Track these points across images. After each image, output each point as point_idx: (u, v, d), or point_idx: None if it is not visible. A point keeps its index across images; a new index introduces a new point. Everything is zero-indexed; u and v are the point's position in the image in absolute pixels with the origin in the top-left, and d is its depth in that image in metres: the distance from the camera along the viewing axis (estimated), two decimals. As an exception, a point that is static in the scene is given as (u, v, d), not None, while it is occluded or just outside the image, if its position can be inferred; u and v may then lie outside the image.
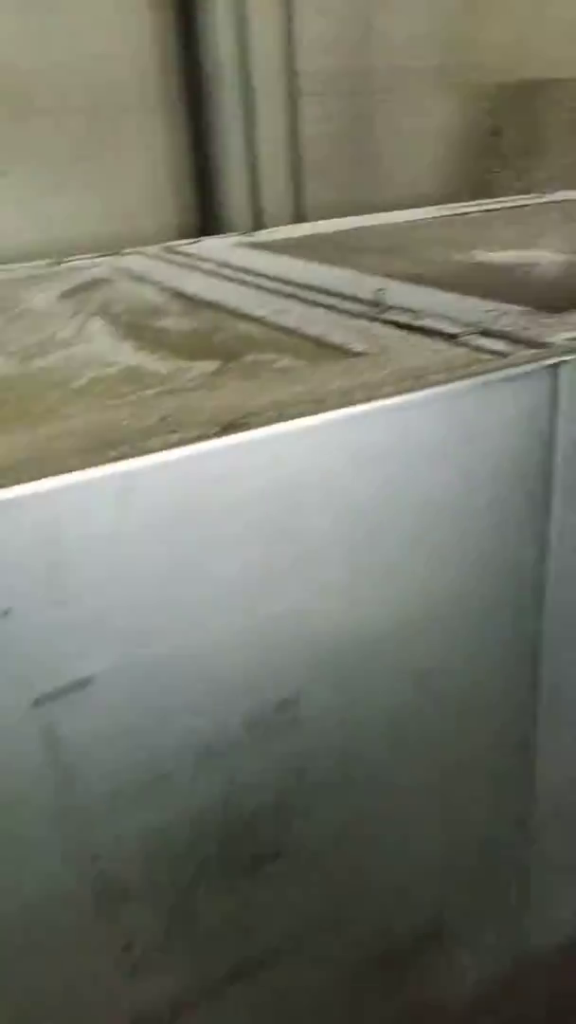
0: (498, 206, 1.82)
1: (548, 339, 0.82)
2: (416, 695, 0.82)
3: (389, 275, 1.18)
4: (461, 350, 0.82)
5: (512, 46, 2.58)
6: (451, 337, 0.86)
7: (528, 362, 0.76)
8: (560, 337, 0.82)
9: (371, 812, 0.84)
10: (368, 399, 0.70)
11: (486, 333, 0.87)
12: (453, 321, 0.91)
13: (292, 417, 0.67)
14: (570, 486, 0.82)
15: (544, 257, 1.32)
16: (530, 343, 0.82)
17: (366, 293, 1.05)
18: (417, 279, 1.17)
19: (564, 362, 0.77)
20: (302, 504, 0.69)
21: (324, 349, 0.88)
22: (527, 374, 0.75)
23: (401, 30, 2.55)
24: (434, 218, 1.73)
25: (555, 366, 0.77)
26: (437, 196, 2.18)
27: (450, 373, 0.74)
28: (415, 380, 0.73)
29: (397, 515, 0.73)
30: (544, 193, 1.94)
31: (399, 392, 0.71)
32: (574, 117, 2.47)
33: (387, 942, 0.92)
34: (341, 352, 0.85)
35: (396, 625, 0.77)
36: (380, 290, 0.99)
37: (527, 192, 2.05)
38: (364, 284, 1.11)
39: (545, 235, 1.52)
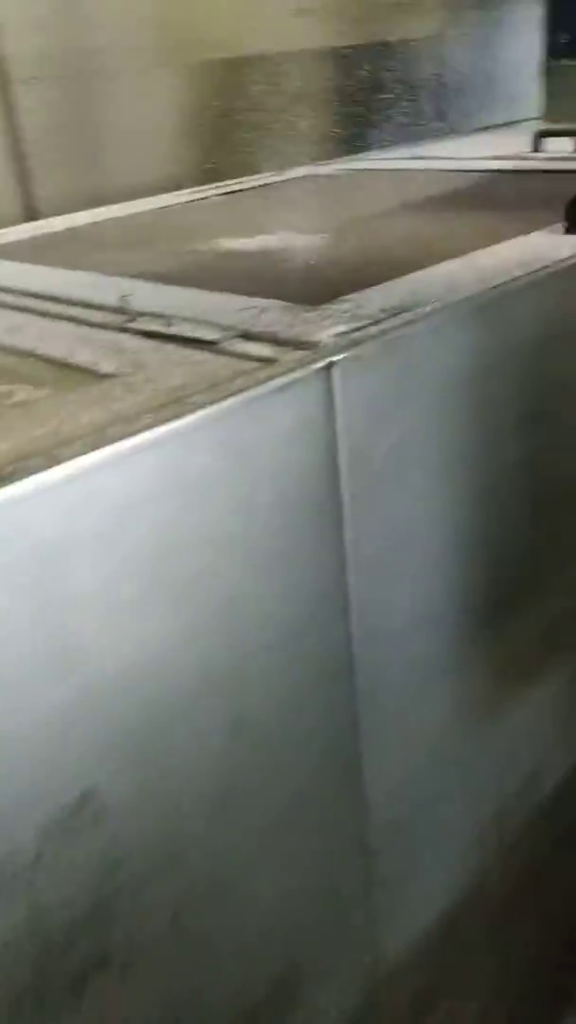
0: (238, 187, 1.75)
1: (314, 337, 0.75)
2: (231, 746, 0.74)
3: (133, 275, 1.08)
4: (223, 359, 0.74)
5: (234, 20, 2.51)
6: (210, 344, 0.78)
7: (297, 368, 0.69)
8: (326, 334, 0.76)
9: (203, 883, 0.75)
10: (125, 434, 0.60)
11: (247, 336, 0.79)
12: (209, 325, 0.82)
13: (34, 470, 0.56)
14: (358, 492, 0.76)
15: (291, 240, 1.26)
16: (297, 344, 0.75)
17: (111, 299, 0.94)
18: (164, 277, 1.07)
19: (335, 362, 0.71)
20: (67, 570, 0.58)
21: (69, 372, 0.76)
22: (298, 381, 0.68)
23: (116, 5, 2.41)
24: (174, 205, 1.63)
25: (327, 368, 0.70)
26: (175, 181, 2.09)
27: (214, 391, 0.65)
28: (176, 404, 0.64)
29: (177, 560, 0.64)
30: (283, 170, 1.89)
31: (160, 421, 0.61)
32: (303, 89, 2.44)
33: (242, 1010, 0.84)
34: (89, 375, 0.74)
35: (197, 679, 0.68)
36: (125, 296, 0.88)
37: (263, 170, 1.99)
38: (107, 288, 1.00)
39: (288, 216, 1.47)
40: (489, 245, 1.05)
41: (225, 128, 2.42)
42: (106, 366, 0.75)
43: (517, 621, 1.03)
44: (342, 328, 0.77)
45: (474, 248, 1.06)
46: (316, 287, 0.98)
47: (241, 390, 0.65)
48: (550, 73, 2.26)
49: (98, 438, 0.59)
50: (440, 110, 2.47)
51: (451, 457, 0.85)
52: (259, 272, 1.10)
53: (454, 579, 0.91)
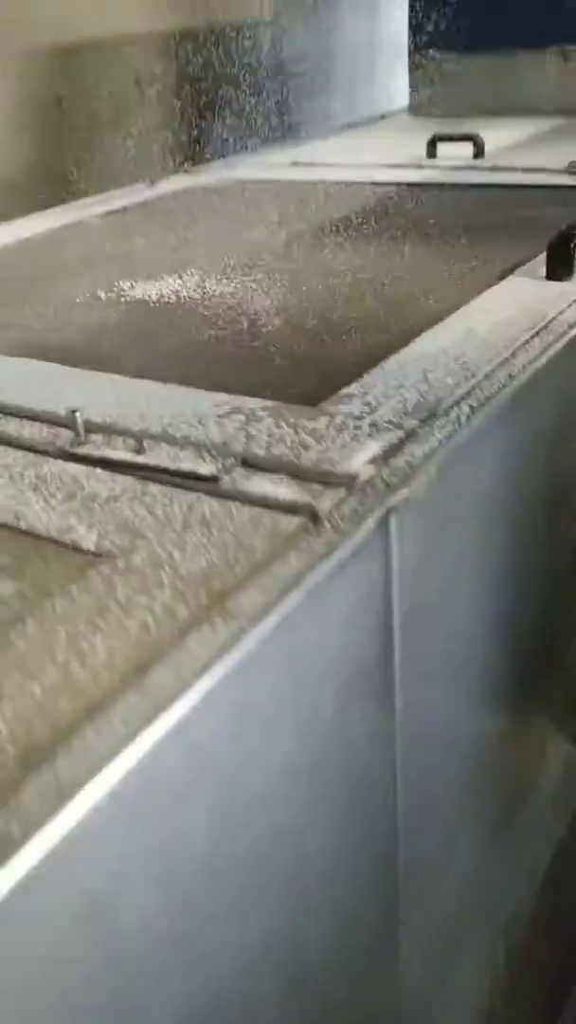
0: (103, 208, 1.53)
1: (345, 466, 0.60)
2: (298, 920, 0.58)
3: (30, 348, 0.89)
4: (239, 510, 0.57)
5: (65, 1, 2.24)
6: (209, 482, 0.61)
7: (352, 529, 0.53)
8: (359, 460, 0.60)
9: None
10: (170, 691, 0.43)
11: (251, 464, 0.62)
12: (190, 444, 0.65)
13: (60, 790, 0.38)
14: (409, 652, 0.61)
15: (211, 284, 1.09)
16: (325, 477, 0.59)
17: (33, 400, 0.75)
18: (76, 353, 0.88)
19: (391, 509, 0.55)
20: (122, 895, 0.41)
21: (33, 546, 0.57)
22: (358, 549, 0.53)
23: None
24: (41, 234, 1.41)
25: (384, 518, 0.55)
26: (16, 199, 1.84)
27: (259, 585, 0.49)
28: (222, 617, 0.47)
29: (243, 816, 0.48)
30: (151, 182, 1.69)
31: (210, 655, 0.45)
32: (152, 77, 2.22)
33: None
34: (66, 551, 0.56)
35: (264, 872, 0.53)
36: (74, 411, 0.69)
37: (124, 180, 1.78)
38: (11, 376, 0.81)
39: (188, 246, 1.28)
40: (461, 293, 0.92)
41: (67, 128, 2.17)
42: (85, 534, 0.56)
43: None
44: (374, 448, 0.61)
45: (447, 296, 0.93)
46: (290, 367, 0.82)
47: (295, 582, 0.49)
48: (415, 64, 2.15)
49: (141, 706, 0.42)
50: (302, 99, 2.33)
51: (495, 569, 0.72)
52: (199, 339, 0.92)
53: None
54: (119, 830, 0.40)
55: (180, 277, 1.14)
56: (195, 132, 2.03)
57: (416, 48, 2.13)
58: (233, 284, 1.09)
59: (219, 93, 2.14)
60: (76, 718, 0.42)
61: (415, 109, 2.17)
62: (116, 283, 1.13)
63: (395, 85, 2.46)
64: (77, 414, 0.68)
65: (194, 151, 1.99)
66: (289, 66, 2.30)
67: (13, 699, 0.43)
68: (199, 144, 2.00)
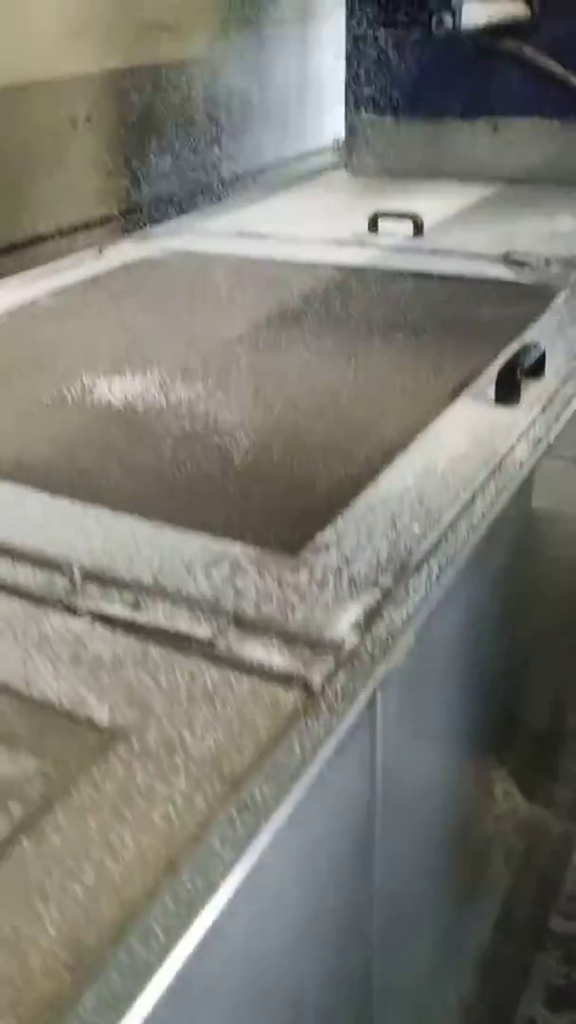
0: (52, 284, 1.55)
1: (330, 631, 0.66)
2: None
3: (13, 464, 0.93)
4: (237, 680, 0.63)
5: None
6: (206, 646, 0.66)
7: (344, 708, 0.59)
8: (343, 625, 0.67)
9: None
10: (200, 896, 0.48)
11: (241, 622, 0.68)
12: (182, 600, 0.71)
13: None
14: (388, 823, 0.68)
15: (177, 388, 1.14)
16: (312, 642, 0.65)
17: (34, 541, 0.79)
18: (62, 474, 0.93)
19: (379, 684, 0.62)
20: None
21: (44, 718, 0.61)
22: (350, 728, 0.59)
23: None
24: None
25: (373, 694, 0.61)
26: None
27: (266, 768, 0.55)
28: (237, 804, 0.53)
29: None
30: (99, 250, 1.72)
31: (227, 850, 0.50)
32: (87, 124, 2.24)
33: None
34: (79, 725, 0.60)
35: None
36: (72, 565, 0.73)
37: (72, 248, 1.81)
38: None
39: (148, 336, 1.33)
40: (418, 418, 0.99)
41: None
42: (97, 707, 0.61)
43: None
44: (356, 611, 0.68)
45: (402, 422, 1.00)
46: (264, 496, 0.88)
47: (300, 770, 0.55)
48: (352, 125, 2.23)
49: (177, 911, 0.47)
50: (237, 140, 2.38)
51: (464, 729, 0.79)
52: (171, 459, 0.97)
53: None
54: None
55: (144, 374, 1.19)
56: (136, 194, 2.06)
57: (354, 110, 2.20)
58: (197, 388, 1.14)
59: (157, 142, 2.17)
60: (118, 922, 0.47)
61: (352, 168, 2.24)
62: (80, 380, 1.17)
63: (325, 123, 2.55)
64: (75, 568, 0.73)
65: (135, 214, 2.03)
66: (223, 109, 2.35)
67: (58, 901, 0.48)
68: (139, 208, 2.03)
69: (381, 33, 1.94)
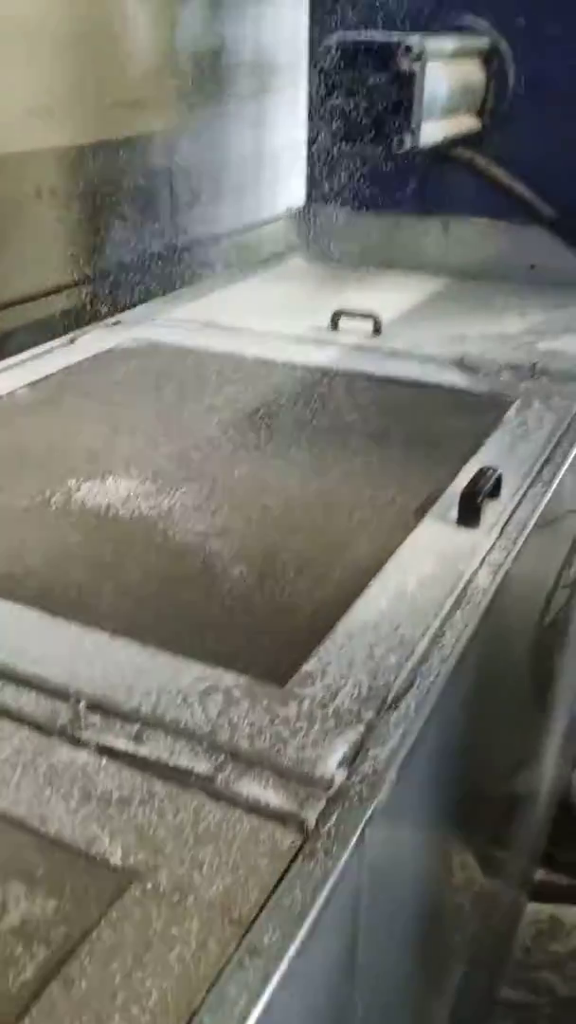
0: (26, 376, 1.61)
1: (321, 769, 0.73)
2: None
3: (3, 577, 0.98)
4: (238, 818, 0.69)
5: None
6: (206, 782, 0.72)
7: (335, 848, 0.66)
8: (331, 763, 0.73)
9: None
10: None
11: (238, 757, 0.74)
12: (179, 732, 0.77)
13: None
14: (373, 929, 0.74)
15: (157, 496, 1.20)
16: (303, 779, 0.72)
17: (33, 666, 0.84)
18: (54, 589, 0.98)
19: (367, 822, 0.69)
20: None
21: (56, 853, 0.67)
22: (341, 866, 0.65)
23: None
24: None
25: (362, 832, 0.68)
26: None
27: (268, 913, 0.61)
28: (247, 955, 0.58)
29: None
30: (71, 340, 1.78)
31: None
32: (52, 197, 2.30)
33: None
34: (90, 864, 0.65)
35: None
36: (78, 700, 0.79)
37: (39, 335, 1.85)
38: None
39: (126, 437, 1.39)
40: (386, 537, 1.07)
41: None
42: (110, 846, 0.67)
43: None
44: (343, 748, 0.75)
45: (372, 540, 1.08)
46: (248, 625, 0.94)
47: (303, 914, 0.61)
48: (311, 215, 2.34)
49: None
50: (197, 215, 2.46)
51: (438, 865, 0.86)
52: (159, 576, 1.03)
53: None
54: None
55: (124, 477, 1.25)
56: (103, 285, 2.12)
57: (313, 201, 2.31)
58: (176, 495, 1.20)
59: (121, 215, 2.24)
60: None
61: (310, 256, 2.35)
62: (63, 482, 1.23)
63: (280, 192, 2.68)
64: (82, 702, 0.79)
65: (102, 296, 2.09)
66: (185, 180, 2.44)
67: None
68: (104, 298, 2.10)
69: (332, 130, 2.05)
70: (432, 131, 1.74)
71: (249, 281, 2.22)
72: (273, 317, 1.88)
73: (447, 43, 1.82)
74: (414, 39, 1.61)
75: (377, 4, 2.08)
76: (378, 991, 0.84)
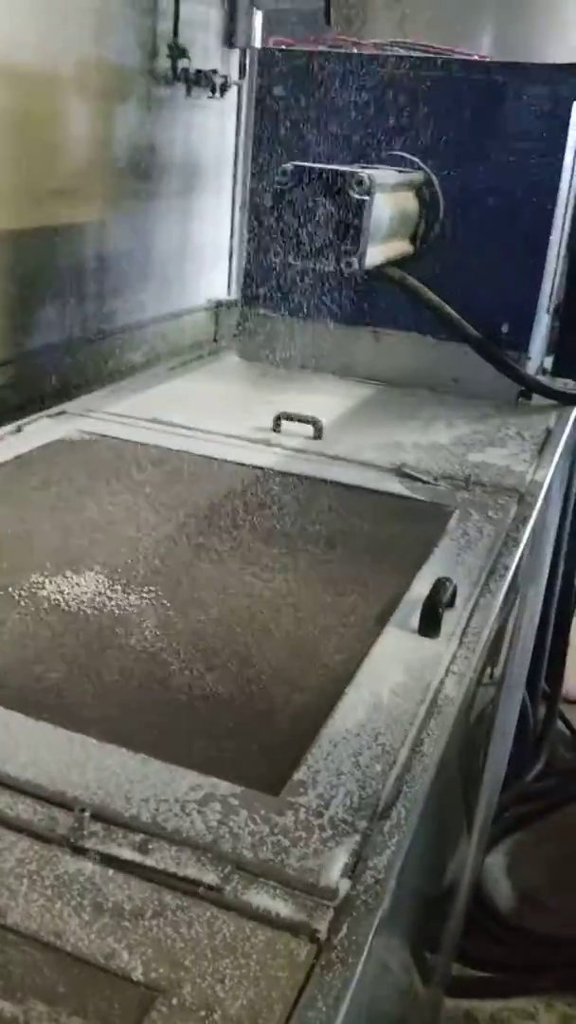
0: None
1: (325, 878, 0.76)
2: None
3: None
4: (252, 931, 0.71)
5: None
6: (215, 892, 0.74)
7: (354, 959, 0.69)
8: (334, 873, 0.76)
9: None
10: None
11: (243, 868, 0.77)
12: (183, 844, 0.78)
13: None
14: None
15: (120, 596, 1.22)
16: (308, 889, 0.75)
17: (26, 773, 0.85)
18: (34, 693, 0.99)
19: (376, 930, 0.72)
20: None
21: (78, 970, 0.67)
22: (360, 979, 0.68)
23: None
24: None
25: (371, 941, 0.71)
26: None
27: None
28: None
29: None
30: (18, 428, 1.80)
31: None
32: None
33: None
34: (118, 982, 0.66)
35: None
36: (83, 810, 0.80)
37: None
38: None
39: (80, 533, 1.41)
40: (351, 643, 1.13)
41: None
42: (129, 961, 0.68)
43: None
44: (343, 857, 0.78)
45: (338, 647, 1.13)
46: (232, 732, 0.97)
47: (319, 1017, 0.64)
48: (244, 315, 2.43)
49: None
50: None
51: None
52: (136, 675, 1.05)
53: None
54: None
55: (87, 573, 1.26)
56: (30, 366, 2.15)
57: (248, 304, 2.41)
58: (142, 593, 1.23)
59: (51, 300, 2.29)
60: None
61: (244, 354, 2.44)
62: (25, 578, 1.23)
63: (202, 285, 2.79)
64: (86, 814, 0.79)
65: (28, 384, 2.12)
66: (112, 269, 2.51)
67: None
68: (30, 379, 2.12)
69: (277, 246, 2.16)
70: (374, 254, 1.87)
71: (187, 377, 2.28)
72: (215, 415, 1.94)
73: (390, 176, 1.97)
74: (365, 173, 1.74)
75: (319, 131, 2.24)
76: None
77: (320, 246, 1.79)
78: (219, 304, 2.81)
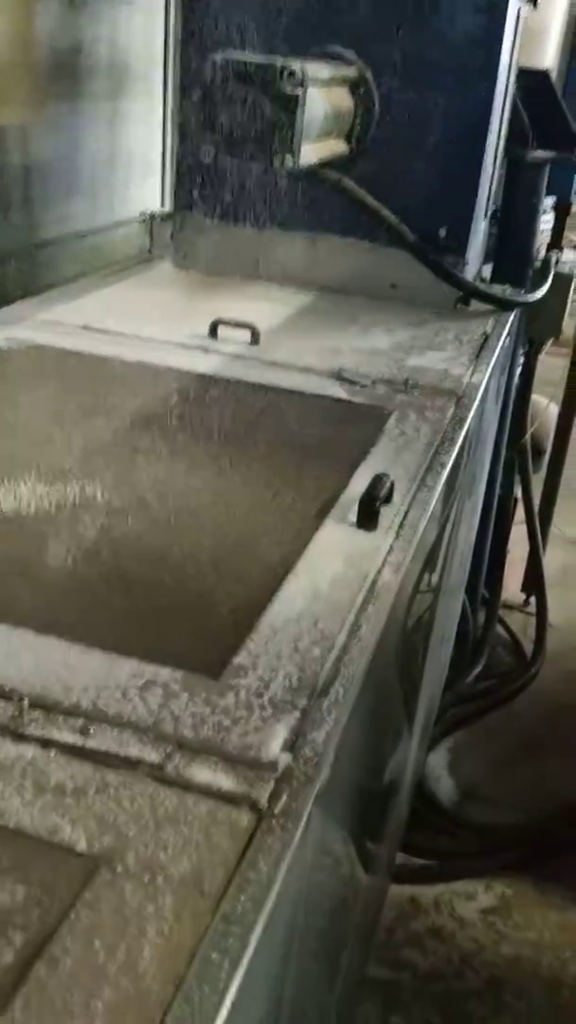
0: None
1: (264, 752, 0.77)
2: None
3: None
4: (192, 802, 0.72)
5: None
6: (156, 769, 0.75)
7: (288, 823, 0.71)
8: (274, 747, 0.78)
9: None
10: None
11: (185, 746, 0.78)
12: (125, 726, 0.79)
13: None
14: (309, 904, 0.80)
15: (61, 490, 1.21)
16: (250, 763, 0.76)
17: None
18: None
19: (316, 798, 0.74)
20: None
21: (22, 844, 0.68)
22: (299, 842, 0.70)
23: None
24: None
25: (311, 808, 0.73)
26: None
27: (237, 884, 0.65)
28: (222, 922, 0.62)
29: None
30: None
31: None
32: None
33: None
34: (59, 852, 0.67)
35: None
36: (21, 697, 0.80)
37: None
38: None
39: (13, 435, 1.38)
40: (290, 538, 1.13)
41: None
42: (72, 834, 0.69)
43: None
44: (283, 732, 0.80)
45: (277, 541, 1.13)
46: (173, 621, 0.98)
47: (269, 885, 0.66)
48: (178, 222, 2.37)
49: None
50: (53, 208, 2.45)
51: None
52: (73, 572, 1.04)
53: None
54: None
55: (25, 478, 1.24)
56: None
57: (182, 208, 2.35)
58: (82, 495, 1.21)
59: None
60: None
61: (179, 262, 2.38)
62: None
63: (133, 196, 2.70)
64: (24, 701, 0.80)
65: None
66: (36, 177, 2.42)
67: (83, 1018, 0.56)
68: None
69: (210, 147, 2.10)
70: (309, 152, 1.82)
71: (120, 285, 2.23)
72: (150, 322, 1.90)
73: (323, 70, 1.90)
74: (297, 65, 1.69)
75: (249, 26, 2.16)
76: (305, 973, 0.90)
77: (252, 143, 1.74)
78: (153, 217, 2.73)
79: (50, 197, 2.48)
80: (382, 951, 1.94)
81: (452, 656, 2.85)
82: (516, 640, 3.10)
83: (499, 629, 3.16)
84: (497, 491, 2.91)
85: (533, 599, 3.22)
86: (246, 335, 1.84)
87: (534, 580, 3.18)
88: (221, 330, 1.85)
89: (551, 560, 3.33)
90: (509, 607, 3.26)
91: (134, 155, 2.85)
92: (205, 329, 1.85)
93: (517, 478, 3.07)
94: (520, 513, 3.13)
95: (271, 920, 0.65)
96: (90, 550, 1.10)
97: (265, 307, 2.10)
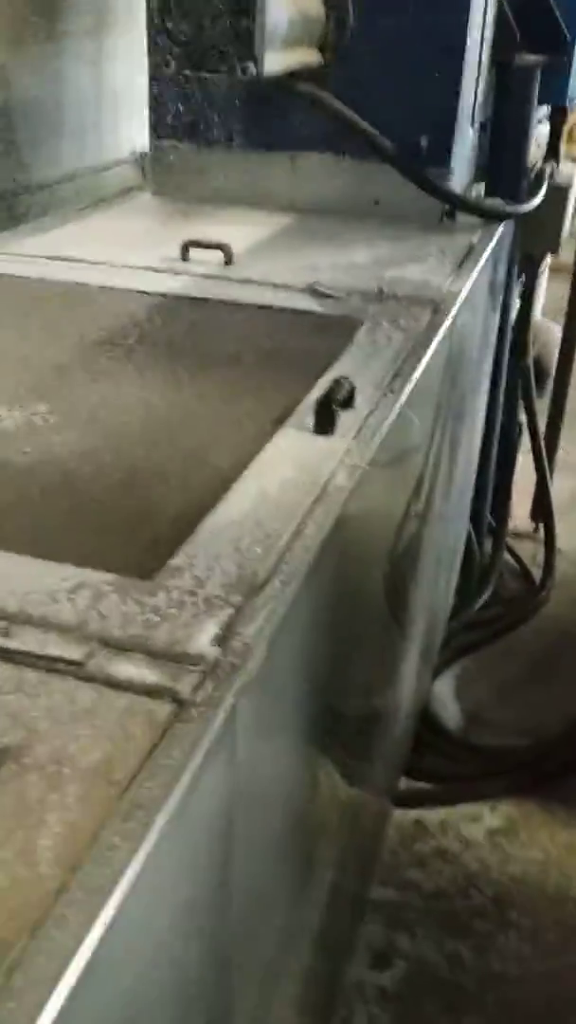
0: None
1: (191, 646, 0.75)
2: None
3: None
4: (112, 698, 0.70)
5: None
6: (77, 666, 0.73)
7: (208, 712, 0.68)
8: (203, 641, 0.75)
9: None
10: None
11: (110, 644, 0.75)
12: (49, 626, 0.77)
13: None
14: (248, 806, 0.78)
15: (15, 416, 1.18)
16: (176, 658, 0.74)
17: None
18: None
19: (239, 691, 0.71)
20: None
21: None
22: (218, 735, 0.68)
23: None
24: None
25: (235, 701, 0.71)
26: None
27: (151, 778, 0.63)
28: (128, 806, 0.60)
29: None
30: None
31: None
32: None
33: None
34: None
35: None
36: None
37: None
38: None
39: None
40: (245, 446, 1.10)
41: None
42: (-16, 729, 0.67)
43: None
44: (213, 628, 0.77)
45: (231, 450, 1.10)
46: (113, 531, 0.95)
47: (180, 772, 0.63)
48: (156, 152, 2.30)
49: (86, 902, 0.54)
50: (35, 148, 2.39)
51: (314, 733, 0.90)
52: (16, 486, 1.02)
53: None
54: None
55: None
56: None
57: (157, 136, 2.28)
58: (34, 413, 1.18)
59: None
60: (36, 916, 0.53)
61: (157, 192, 2.32)
62: None
63: (123, 135, 2.62)
64: None
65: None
66: (19, 118, 2.35)
67: (-25, 904, 0.54)
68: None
69: (170, 58, 2.02)
70: (275, 60, 1.75)
71: (94, 217, 2.17)
72: (121, 249, 1.85)
73: (286, -29, 1.82)
74: (252, -37, 1.61)
75: None
76: (253, 875, 0.88)
77: (214, 52, 1.67)
78: (144, 155, 2.65)
79: (36, 138, 2.42)
80: (386, 873, 1.94)
81: (459, 585, 2.82)
82: (524, 567, 3.06)
83: (508, 557, 3.12)
84: (499, 416, 2.84)
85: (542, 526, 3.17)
86: (219, 256, 1.78)
87: (542, 506, 3.12)
88: (193, 252, 1.79)
89: (561, 487, 3.27)
90: (519, 535, 3.21)
91: (120, 92, 2.77)
92: (176, 253, 1.80)
93: (521, 404, 3.01)
94: (527, 440, 3.06)
95: (184, 805, 0.62)
96: (35, 465, 1.07)
97: (244, 230, 2.04)
